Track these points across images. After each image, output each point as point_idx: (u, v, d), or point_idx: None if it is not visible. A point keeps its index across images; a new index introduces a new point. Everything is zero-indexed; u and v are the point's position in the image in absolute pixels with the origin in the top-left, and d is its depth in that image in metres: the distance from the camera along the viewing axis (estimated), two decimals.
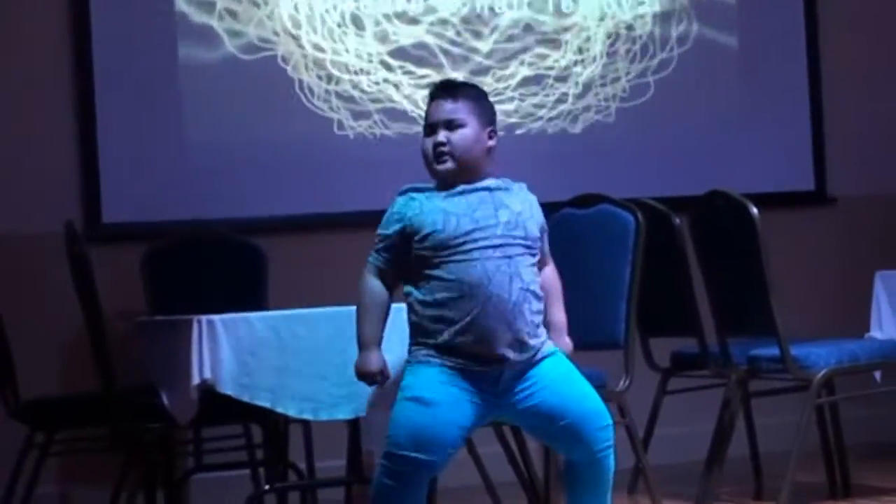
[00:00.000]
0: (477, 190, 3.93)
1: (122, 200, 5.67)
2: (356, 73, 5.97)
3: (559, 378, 3.94)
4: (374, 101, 5.99)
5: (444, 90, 4.02)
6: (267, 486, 4.56)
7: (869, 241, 6.39)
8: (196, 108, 5.79)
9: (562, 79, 6.20)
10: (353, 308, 4.08)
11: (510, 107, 6.04)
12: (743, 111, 6.53)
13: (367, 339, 3.91)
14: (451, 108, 3.97)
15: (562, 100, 6.18)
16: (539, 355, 3.90)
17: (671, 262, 4.95)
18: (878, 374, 5.11)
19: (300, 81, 5.91)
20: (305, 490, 4.81)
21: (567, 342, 4.05)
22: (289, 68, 5.90)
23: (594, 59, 6.28)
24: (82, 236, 4.81)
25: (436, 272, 3.85)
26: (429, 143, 3.96)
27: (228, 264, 5.54)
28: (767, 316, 4.78)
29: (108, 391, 4.57)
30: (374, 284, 3.92)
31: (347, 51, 5.97)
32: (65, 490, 5.45)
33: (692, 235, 5.11)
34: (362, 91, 5.98)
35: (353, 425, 4.64)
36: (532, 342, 3.87)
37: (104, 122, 5.66)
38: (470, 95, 4.02)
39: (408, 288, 3.89)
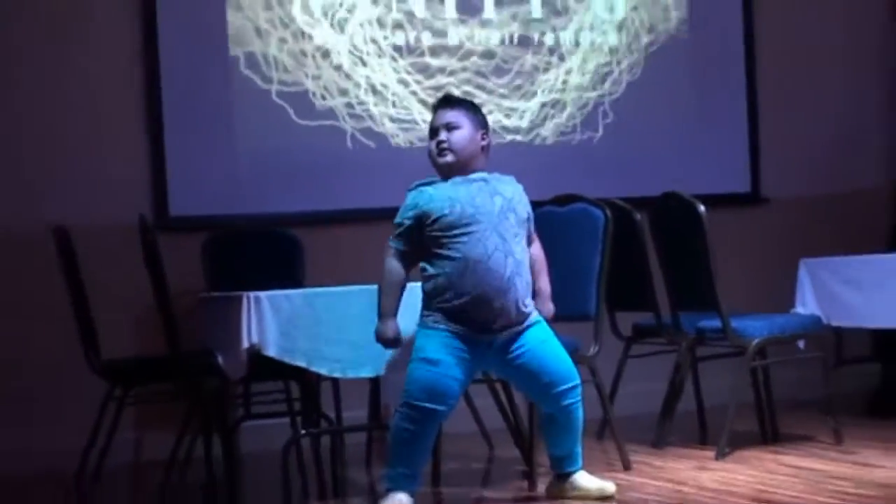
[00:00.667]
0: (476, 181, 4.00)
1: (186, 197, 5.64)
2: (379, 92, 5.95)
3: (542, 343, 4.00)
4: (393, 118, 5.98)
5: (444, 102, 4.15)
6: (303, 432, 4.55)
7: (795, 234, 6.39)
8: (246, 121, 5.76)
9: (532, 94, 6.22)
10: (374, 287, 4.16)
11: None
12: (693, 125, 6.49)
13: (386, 311, 3.97)
14: (450, 115, 4.06)
15: (547, 116, 6.21)
16: (527, 322, 3.97)
17: (633, 251, 4.96)
18: (801, 343, 5.12)
19: (333, 100, 5.88)
20: (334, 435, 4.79)
21: (550, 307, 4.10)
22: (321, 90, 5.87)
23: (564, 83, 6.29)
24: (153, 227, 4.81)
25: (444, 251, 3.93)
26: (432, 143, 4.04)
27: (271, 251, 5.52)
28: (711, 294, 4.79)
29: (173, 354, 4.58)
30: (394, 265, 3.99)
31: (371, 75, 5.96)
32: (138, 435, 5.45)
33: (650, 229, 5.12)
34: (384, 108, 5.97)
35: (374, 382, 4.67)
36: (522, 310, 3.95)
37: (170, 132, 5.63)
38: (464, 105, 4.13)
39: (423, 264, 3.98)
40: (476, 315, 3.90)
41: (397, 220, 4.02)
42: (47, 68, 5.52)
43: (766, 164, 6.62)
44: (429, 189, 4.00)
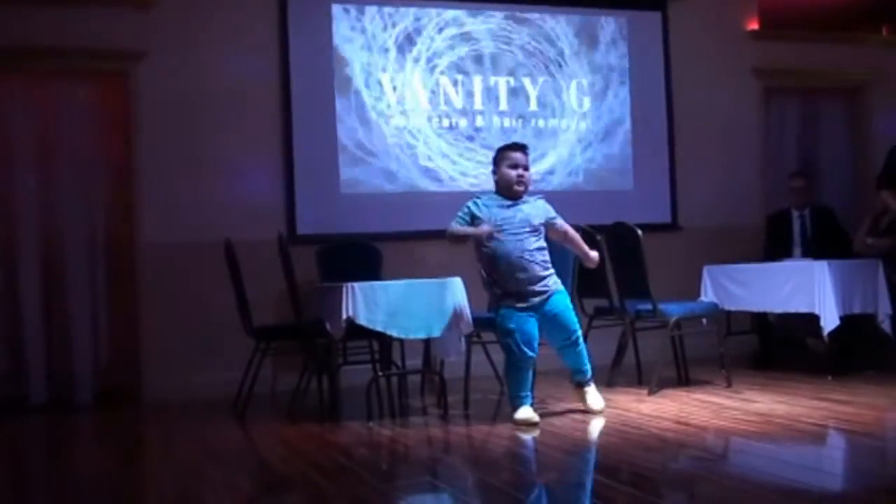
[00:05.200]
0: (509, 202, 3.99)
1: (307, 221, 5.64)
2: (447, 152, 5.94)
3: (562, 305, 4.05)
4: (454, 162, 5.95)
5: (520, 148, 4.18)
6: (380, 374, 4.53)
7: (700, 249, 6.31)
8: (348, 160, 5.72)
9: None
10: (424, 280, 4.18)
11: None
12: (632, 176, 6.44)
13: (470, 229, 4.02)
14: (525, 158, 4.09)
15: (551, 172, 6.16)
16: (551, 290, 4.03)
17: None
18: (704, 321, 5.06)
19: (411, 144, 5.85)
20: (400, 376, 4.78)
21: (595, 254, 4.19)
22: (407, 135, 5.86)
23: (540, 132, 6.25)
24: (287, 240, 4.80)
25: (485, 246, 4.02)
26: (514, 174, 4.07)
27: (361, 257, 5.51)
28: (645, 287, 4.74)
29: (298, 321, 4.57)
30: (458, 224, 4.05)
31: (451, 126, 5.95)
32: (275, 374, 5.44)
33: (606, 244, 5.05)
34: (447, 156, 5.94)
35: (427, 342, 4.64)
36: (542, 283, 4.01)
37: (299, 176, 5.60)
38: (527, 154, 4.09)
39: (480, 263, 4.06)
40: (513, 287, 3.96)
41: (459, 213, 4.10)
42: (217, 119, 5.49)
43: (682, 203, 6.55)
44: (480, 203, 4.10)
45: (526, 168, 4.12)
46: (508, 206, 4.08)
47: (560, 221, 4.18)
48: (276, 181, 5.63)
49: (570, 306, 4.10)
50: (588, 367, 4.17)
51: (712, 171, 6.65)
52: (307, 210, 5.66)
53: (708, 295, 5.33)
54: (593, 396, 4.15)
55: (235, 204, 5.52)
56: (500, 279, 4.01)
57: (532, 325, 4.00)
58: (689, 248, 6.42)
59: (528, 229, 4.06)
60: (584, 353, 4.14)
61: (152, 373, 5.36)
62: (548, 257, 4.10)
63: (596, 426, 3.93)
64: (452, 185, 5.96)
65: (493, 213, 4.05)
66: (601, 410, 4.12)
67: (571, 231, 4.21)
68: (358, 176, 5.79)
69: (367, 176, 5.81)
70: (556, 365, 4.41)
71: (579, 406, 4.23)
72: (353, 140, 5.78)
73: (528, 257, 4.01)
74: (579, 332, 4.10)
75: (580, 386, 4.19)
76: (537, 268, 4.04)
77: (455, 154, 6.00)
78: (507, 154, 4.14)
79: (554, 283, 4.08)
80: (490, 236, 3.99)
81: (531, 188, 4.23)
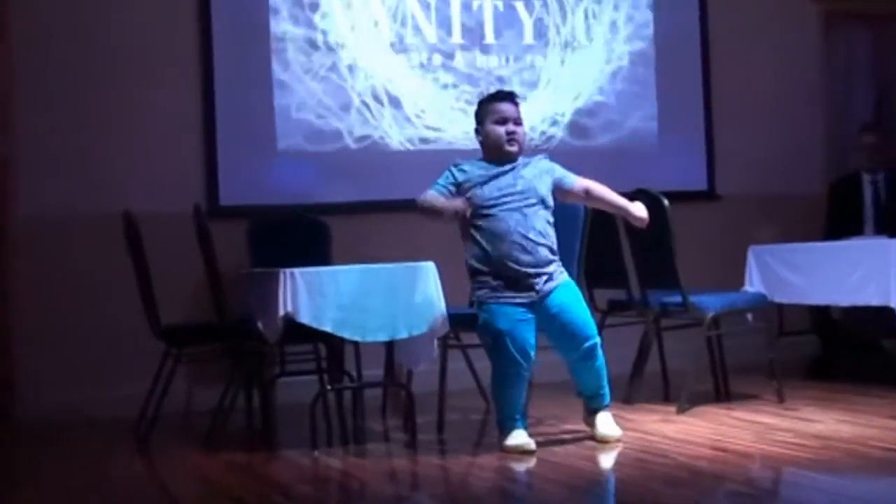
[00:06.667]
0: (504, 167, 4.00)
1: (233, 189, 5.64)
2: (395, 98, 5.93)
3: (571, 299, 4.04)
4: (410, 122, 5.95)
5: (508, 97, 4.17)
6: (328, 387, 4.53)
7: (744, 225, 6.35)
8: (284, 123, 5.73)
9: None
10: (387, 265, 4.17)
11: None
12: (659, 132, 6.45)
13: (441, 201, 4.00)
14: (515, 109, 4.08)
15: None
16: (556, 279, 4.01)
17: (609, 238, 4.91)
18: (749, 316, 5.08)
19: (360, 102, 5.85)
20: (355, 390, 4.79)
21: (641, 208, 4.16)
22: (351, 100, 5.85)
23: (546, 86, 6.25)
24: (206, 214, 4.79)
25: (478, 224, 4.00)
26: (502, 130, 4.05)
27: (304, 234, 5.51)
28: (674, 275, 4.75)
29: (221, 320, 4.57)
30: (429, 192, 4.05)
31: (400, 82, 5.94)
32: (190, 388, 5.46)
33: (623, 220, 5.07)
34: (404, 113, 5.94)
35: (389, 345, 4.61)
36: (547, 271, 4.00)
37: (222, 135, 5.64)
38: (518, 104, 4.11)
39: (466, 249, 4.05)
40: (511, 274, 3.95)
41: (439, 181, 4.08)
42: (121, 77, 5.53)
43: (721, 166, 6.59)
44: (466, 168, 4.09)
45: (518, 122, 4.10)
46: (505, 173, 4.05)
47: (572, 178, 4.16)
48: (192, 136, 5.63)
49: (584, 301, 4.09)
50: (608, 387, 4.17)
51: (759, 123, 6.69)
52: (233, 174, 5.65)
53: (754, 284, 5.35)
54: (608, 423, 4.13)
55: (138, 166, 5.52)
56: (495, 265, 3.98)
57: (529, 327, 3.99)
58: (729, 223, 6.44)
59: (534, 200, 4.04)
60: (604, 367, 4.12)
61: (27, 385, 5.35)
62: (555, 237, 4.09)
63: (609, 455, 3.94)
64: (426, 142, 5.97)
65: (483, 186, 4.01)
66: (617, 440, 4.11)
67: (595, 186, 4.17)
68: (299, 129, 5.77)
69: (312, 129, 5.79)
70: (557, 376, 4.42)
71: (588, 431, 4.22)
72: (294, 82, 5.76)
73: (534, 237, 3.99)
74: (597, 339, 4.08)
75: (594, 412, 4.17)
76: (545, 251, 4.03)
77: (428, 101, 5.99)
78: (492, 106, 4.13)
79: (560, 271, 4.07)
80: (464, 214, 3.96)
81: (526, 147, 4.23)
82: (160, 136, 5.58)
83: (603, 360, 4.10)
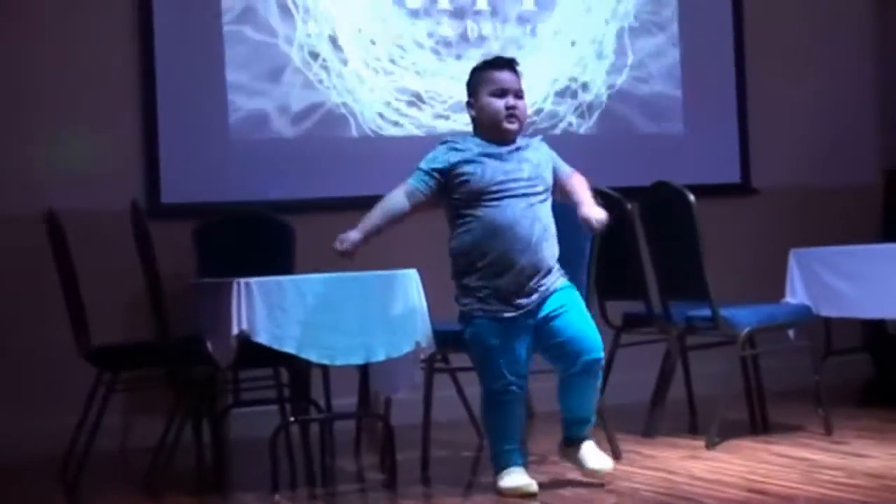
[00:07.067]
0: (507, 148, 4.00)
1: (178, 184, 5.63)
2: (373, 83, 5.93)
3: (569, 305, 4.02)
4: (383, 108, 5.95)
5: (508, 64, 4.14)
6: (292, 419, 4.52)
7: (785, 224, 6.37)
8: (238, 108, 5.73)
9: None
10: (362, 273, 4.16)
11: None
12: (683, 115, 6.47)
13: (362, 224, 4.05)
14: (516, 80, 4.08)
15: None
16: (555, 286, 4.00)
17: (624, 240, 4.91)
18: (791, 332, 5.08)
19: (325, 88, 5.86)
20: (323, 422, 4.78)
21: (600, 210, 4.03)
22: (313, 78, 5.85)
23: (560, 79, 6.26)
24: (145, 213, 4.77)
25: (473, 212, 3.97)
26: (500, 103, 4.02)
27: (262, 237, 5.50)
28: (701, 283, 4.75)
29: (163, 339, 4.55)
30: (397, 195, 4.05)
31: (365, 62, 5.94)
32: (127, 420, 5.44)
33: (641, 218, 5.08)
34: (373, 99, 5.94)
35: (364, 370, 4.61)
36: (548, 278, 3.98)
37: (164, 121, 5.63)
38: (519, 73, 4.10)
39: (451, 225, 4.03)
40: (508, 281, 3.91)
41: (423, 166, 4.04)
42: (41, 53, 5.52)
43: (757, 155, 6.60)
44: (461, 147, 4.03)
45: (518, 94, 4.08)
46: (507, 154, 4.02)
47: (566, 168, 4.17)
48: (129, 121, 5.62)
49: (584, 307, 4.07)
50: (594, 413, 4.15)
51: (803, 104, 6.69)
52: (177, 165, 5.64)
53: (797, 294, 5.36)
54: (597, 454, 4.10)
55: (63, 156, 5.49)
56: (490, 268, 3.95)
57: (523, 341, 3.98)
58: (767, 221, 6.46)
59: (541, 189, 4.02)
60: (598, 390, 4.11)
61: None
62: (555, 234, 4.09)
63: (626, 497, 3.93)
64: (403, 128, 5.96)
65: (485, 167, 3.99)
66: (609, 471, 4.10)
67: (577, 181, 4.14)
68: (257, 112, 5.77)
69: (272, 113, 5.79)
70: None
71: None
72: (249, 58, 5.75)
73: (539, 234, 3.97)
74: (601, 353, 4.08)
75: (575, 442, 4.13)
76: (549, 252, 4.01)
77: (411, 76, 5.99)
78: (488, 75, 4.10)
79: (561, 277, 4.06)
80: (339, 248, 4.00)
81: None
82: (90, 121, 5.55)
83: (600, 379, 4.09)
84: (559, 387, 4.11)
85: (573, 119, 6.25)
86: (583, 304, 4.09)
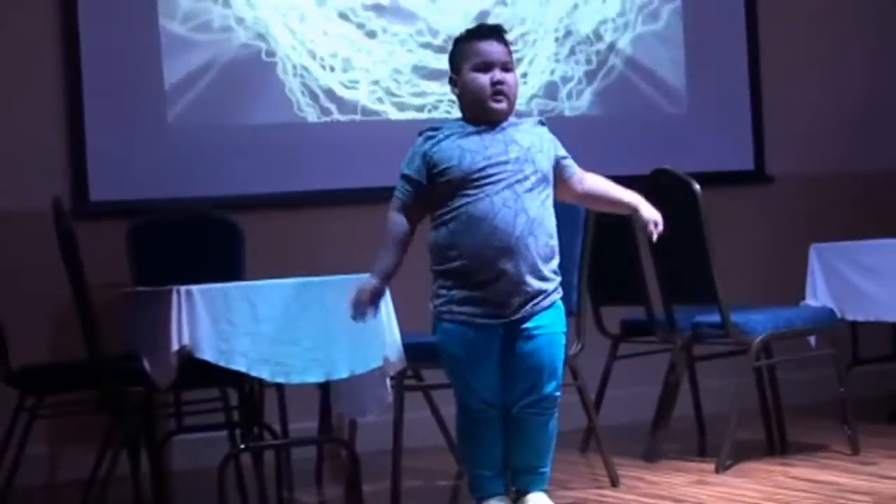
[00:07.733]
0: (491, 129, 3.94)
1: (108, 180, 5.63)
2: (323, 67, 5.95)
3: (554, 333, 3.93)
4: (337, 93, 5.96)
5: (494, 33, 4.04)
6: (242, 446, 4.53)
7: (803, 216, 6.40)
8: (177, 96, 5.74)
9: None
10: (322, 278, 4.14)
11: None
12: (689, 97, 6.51)
13: (377, 268, 3.96)
14: (504, 52, 3.99)
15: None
16: (548, 301, 3.91)
17: (621, 236, 4.92)
18: (812, 339, 5.11)
19: (275, 72, 5.87)
20: (279, 449, 4.79)
21: (650, 208, 4.02)
22: (265, 59, 5.86)
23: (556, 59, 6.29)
24: (70, 213, 4.77)
25: (450, 203, 3.90)
26: (484, 79, 3.94)
27: (206, 239, 5.51)
28: (709, 285, 4.77)
29: (93, 358, 4.54)
30: (396, 219, 3.98)
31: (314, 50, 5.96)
32: (53, 450, 5.43)
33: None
34: (329, 83, 5.95)
35: (324, 388, 4.60)
36: (537, 283, 3.88)
37: (91, 106, 5.62)
38: (507, 43, 4.04)
39: (431, 217, 3.97)
40: (478, 278, 3.85)
41: (404, 170, 3.99)
42: None
43: (772, 137, 6.62)
44: (439, 135, 3.97)
45: (507, 67, 4.03)
46: (490, 136, 3.96)
47: (574, 165, 4.09)
48: (50, 106, 5.61)
49: (562, 338, 4.01)
50: (550, 465, 4.08)
51: (823, 82, 6.73)
52: (108, 156, 5.64)
53: (818, 295, 5.39)
54: None
55: None
56: (464, 268, 3.92)
57: (494, 362, 3.92)
58: (784, 213, 6.50)
59: (529, 174, 3.95)
60: (554, 435, 4.04)
61: None
62: (556, 232, 4.02)
63: None
64: (368, 113, 5.97)
65: (463, 152, 3.95)
66: None
67: (595, 181, 4.12)
68: (200, 97, 5.78)
69: (217, 96, 5.80)
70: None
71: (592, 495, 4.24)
72: (191, 31, 5.76)
73: (524, 230, 3.90)
74: (558, 391, 4.00)
75: (522, 495, 4.00)
76: (540, 252, 3.94)
77: (382, 55, 6.01)
78: (471, 46, 4.03)
79: (554, 292, 3.98)
80: (356, 302, 3.94)
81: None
82: (4, 106, 5.55)
83: (555, 425, 4.02)
84: (507, 427, 3.98)
85: (572, 101, 6.28)
86: (563, 329, 4.00)
